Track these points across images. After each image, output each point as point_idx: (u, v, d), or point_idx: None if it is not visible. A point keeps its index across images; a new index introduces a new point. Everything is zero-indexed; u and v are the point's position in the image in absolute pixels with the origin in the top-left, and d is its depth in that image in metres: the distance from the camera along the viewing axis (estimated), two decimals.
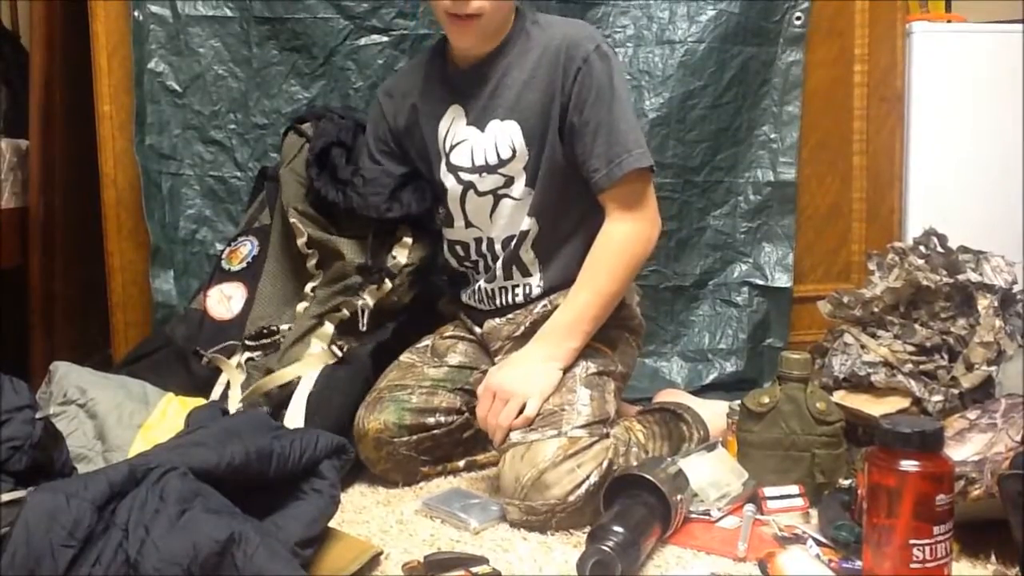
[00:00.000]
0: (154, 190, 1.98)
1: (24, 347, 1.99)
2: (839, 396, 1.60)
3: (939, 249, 1.70)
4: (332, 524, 1.24)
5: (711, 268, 2.14)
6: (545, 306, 1.63)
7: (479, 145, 1.60)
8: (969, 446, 1.34)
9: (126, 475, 1.04)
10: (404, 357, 1.67)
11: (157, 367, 1.70)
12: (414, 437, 1.56)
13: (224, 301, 1.80)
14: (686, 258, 2.12)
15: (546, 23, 1.60)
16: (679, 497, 1.30)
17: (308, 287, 1.74)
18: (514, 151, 1.58)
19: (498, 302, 1.66)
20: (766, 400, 1.46)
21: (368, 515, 1.43)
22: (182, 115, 1.99)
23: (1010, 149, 2.22)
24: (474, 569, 1.19)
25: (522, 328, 1.64)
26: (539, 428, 1.42)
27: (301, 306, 1.73)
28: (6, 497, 1.06)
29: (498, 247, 1.64)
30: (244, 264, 1.84)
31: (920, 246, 1.72)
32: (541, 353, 1.51)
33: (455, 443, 1.62)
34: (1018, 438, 1.29)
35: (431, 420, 1.58)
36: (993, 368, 1.57)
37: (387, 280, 1.68)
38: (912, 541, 1.07)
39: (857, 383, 1.62)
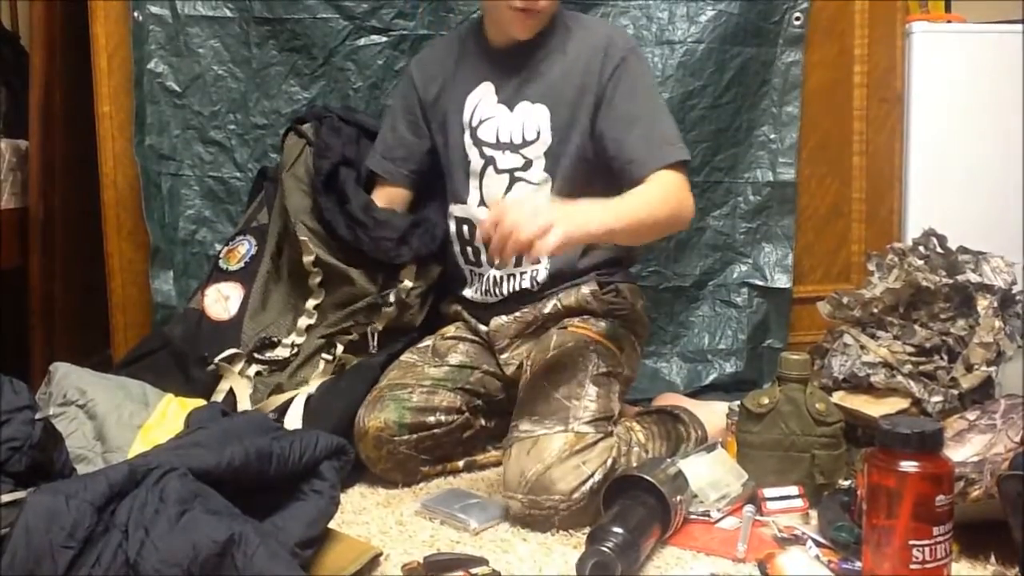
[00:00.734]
0: (154, 190, 1.98)
1: (24, 348, 1.99)
2: (839, 397, 1.60)
3: (938, 250, 1.70)
4: (332, 525, 1.24)
5: (711, 269, 2.14)
6: (555, 305, 1.63)
7: (506, 124, 1.64)
8: (969, 447, 1.34)
9: (126, 476, 1.04)
10: (405, 357, 1.67)
11: (156, 368, 1.70)
12: (414, 436, 1.56)
13: (221, 301, 1.80)
14: (685, 259, 2.12)
15: (587, 22, 1.70)
16: (679, 498, 1.30)
17: (310, 303, 1.74)
18: (538, 134, 1.62)
19: (505, 290, 1.66)
20: (765, 401, 1.46)
21: (368, 516, 1.43)
22: (182, 116, 1.99)
23: (1010, 150, 2.22)
24: (474, 570, 1.19)
25: (531, 327, 1.64)
26: (545, 422, 1.42)
27: (303, 321, 1.73)
28: (6, 498, 1.06)
29: None
30: (242, 264, 1.84)
31: (920, 247, 1.72)
32: (559, 208, 1.40)
33: (455, 443, 1.62)
34: (1017, 439, 1.29)
35: (431, 419, 1.58)
36: (993, 369, 1.57)
37: (395, 305, 1.69)
38: (912, 542, 1.07)
39: (857, 384, 1.62)
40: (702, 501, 1.38)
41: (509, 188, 1.65)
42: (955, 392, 1.56)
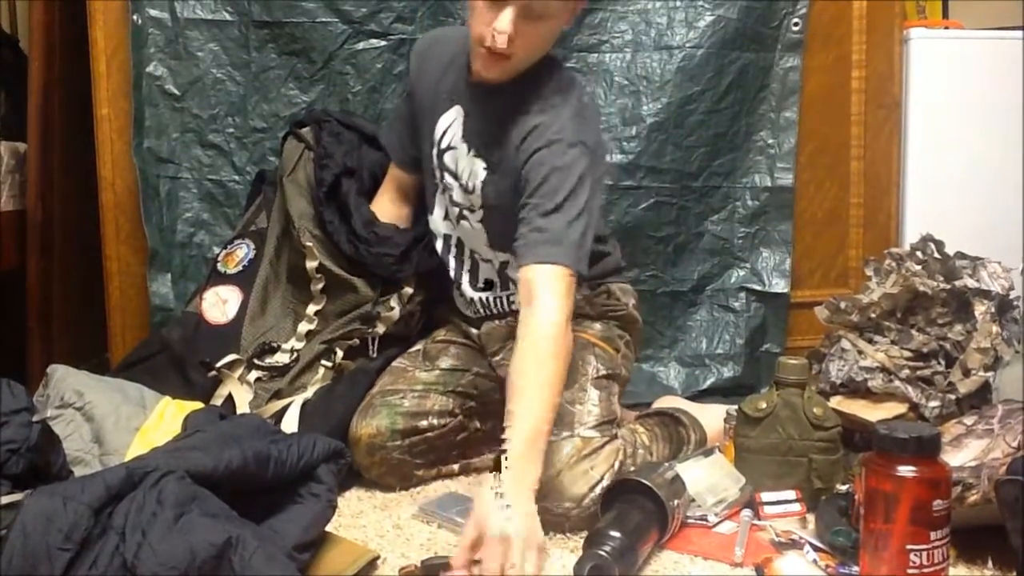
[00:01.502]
0: (152, 194, 1.98)
1: (21, 350, 1.99)
2: (836, 401, 1.60)
3: (936, 255, 1.70)
4: (329, 528, 1.24)
5: (709, 273, 2.14)
6: None
7: (462, 161, 1.58)
8: (966, 452, 1.34)
9: (123, 478, 1.04)
10: (396, 362, 1.67)
11: (154, 372, 1.69)
12: (407, 441, 1.56)
13: (219, 304, 1.80)
14: (684, 263, 2.12)
15: (554, 90, 1.48)
16: (676, 502, 1.30)
17: (311, 309, 1.74)
18: (475, 188, 1.56)
19: (494, 311, 1.67)
20: (763, 405, 1.46)
21: (365, 519, 1.43)
22: (180, 119, 1.99)
23: (1007, 155, 2.23)
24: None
25: None
26: (552, 429, 1.41)
27: (303, 327, 1.73)
28: (3, 500, 1.06)
29: (466, 252, 1.65)
30: (240, 267, 1.84)
31: (917, 252, 1.72)
32: (516, 502, 1.22)
33: (449, 446, 1.62)
34: (1015, 444, 1.29)
35: (424, 423, 1.58)
36: (990, 374, 1.57)
37: (396, 310, 1.69)
38: (909, 546, 1.07)
39: (854, 389, 1.62)
40: (700, 505, 1.38)
41: (459, 220, 1.61)
42: (952, 397, 1.56)
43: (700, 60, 2.06)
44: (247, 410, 1.62)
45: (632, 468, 1.43)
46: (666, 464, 1.40)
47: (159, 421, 1.51)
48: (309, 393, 1.63)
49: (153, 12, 1.95)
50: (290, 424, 1.56)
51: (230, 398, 1.64)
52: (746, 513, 1.38)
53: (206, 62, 1.98)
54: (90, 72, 1.99)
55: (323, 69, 1.99)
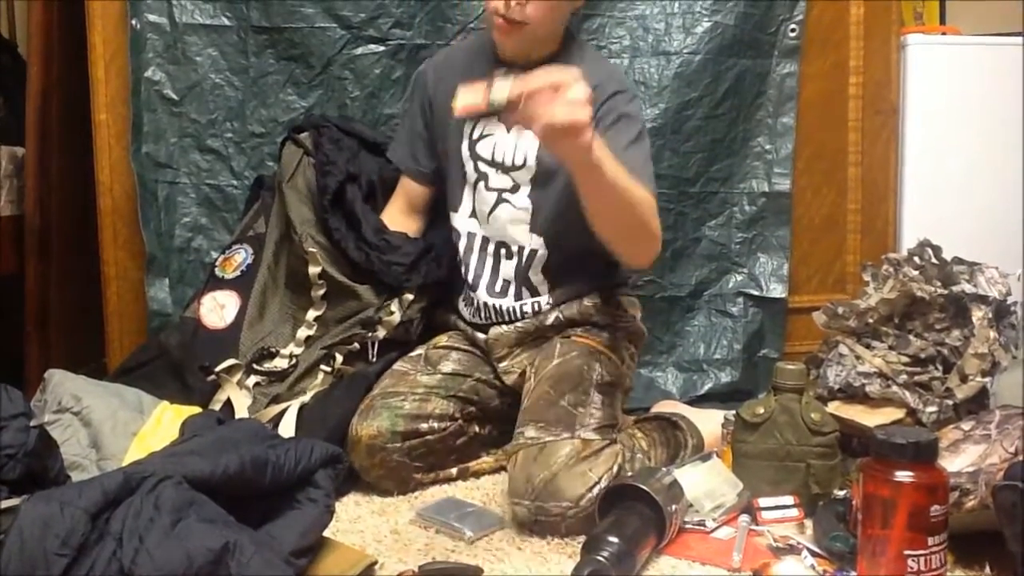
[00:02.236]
0: (150, 199, 1.98)
1: (19, 354, 1.98)
2: (834, 407, 1.60)
3: (933, 260, 1.70)
4: (326, 533, 1.23)
5: (706, 278, 2.15)
6: (557, 317, 1.65)
7: (502, 144, 1.64)
8: (964, 457, 1.34)
9: (120, 483, 1.03)
10: (397, 366, 1.68)
11: (152, 378, 1.69)
12: (407, 443, 1.56)
13: (217, 309, 1.80)
14: (681, 268, 2.12)
15: (591, 58, 1.65)
16: (674, 507, 1.30)
17: (310, 315, 1.75)
18: (525, 160, 1.62)
19: (505, 318, 1.68)
20: (761, 411, 1.46)
21: (362, 524, 1.43)
22: (179, 124, 1.99)
23: (1005, 160, 2.23)
24: None
25: (532, 337, 1.66)
26: (552, 429, 1.43)
27: (302, 332, 1.73)
28: (1, 505, 1.06)
29: (491, 247, 1.65)
30: (238, 272, 1.84)
31: (914, 257, 1.72)
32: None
33: (448, 450, 1.62)
34: (1012, 449, 1.29)
35: (424, 426, 1.58)
36: (987, 379, 1.57)
37: (397, 314, 1.70)
38: (907, 552, 1.07)
39: (852, 394, 1.62)
40: (697, 511, 1.38)
41: (494, 208, 1.66)
42: (950, 402, 1.56)
43: (698, 66, 2.07)
44: (246, 415, 1.61)
45: (630, 472, 1.43)
46: (664, 469, 1.40)
47: (157, 426, 1.50)
48: (307, 397, 1.63)
49: (152, 17, 1.95)
50: (287, 428, 1.56)
51: (229, 403, 1.64)
52: (744, 518, 1.38)
53: (204, 67, 1.98)
54: (88, 77, 1.99)
55: (321, 74, 1.99)
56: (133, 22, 1.95)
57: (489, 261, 1.69)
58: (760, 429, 1.46)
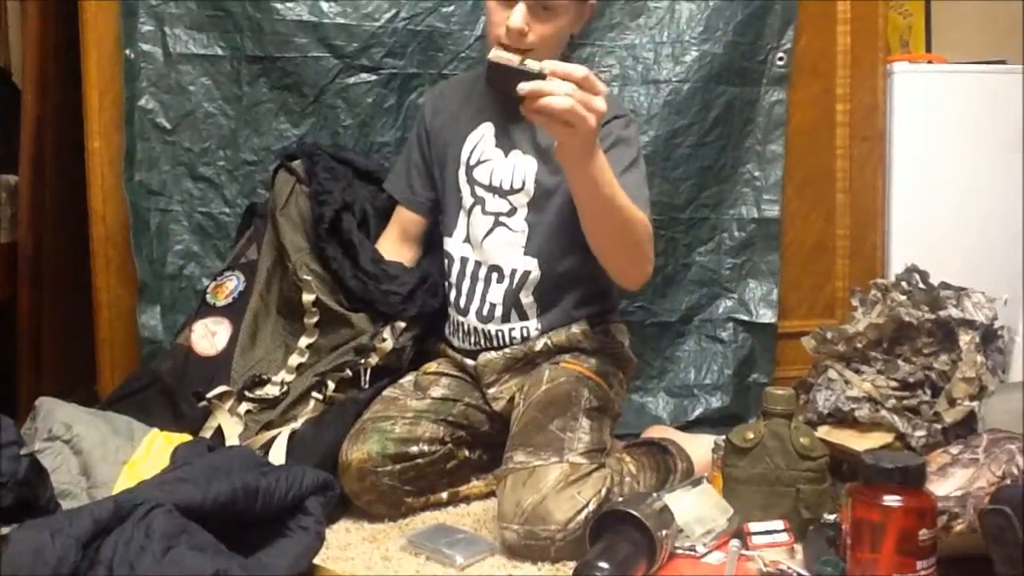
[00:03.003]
0: (142, 226, 1.98)
1: (11, 382, 1.98)
2: (824, 431, 1.61)
3: (921, 285, 1.72)
4: (317, 561, 1.23)
5: (697, 304, 2.16)
6: (545, 343, 1.66)
7: (499, 168, 1.67)
8: (952, 481, 1.35)
9: (111, 511, 1.04)
10: (387, 392, 1.68)
11: (144, 406, 1.69)
12: (397, 467, 1.56)
13: (208, 336, 1.80)
14: (672, 294, 2.14)
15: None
16: (664, 533, 1.30)
17: (303, 342, 1.75)
18: (523, 183, 1.65)
19: (494, 343, 1.69)
20: (751, 436, 1.47)
21: (353, 551, 1.43)
22: (172, 152, 2.00)
23: (990, 185, 2.26)
24: None
25: (520, 363, 1.67)
26: (540, 453, 1.43)
27: (294, 359, 1.74)
28: None
29: (483, 271, 1.67)
30: (230, 299, 1.84)
31: (902, 282, 1.73)
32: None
33: (439, 473, 1.63)
34: (1000, 473, 1.30)
35: (414, 449, 1.58)
36: (975, 403, 1.58)
37: (389, 340, 1.71)
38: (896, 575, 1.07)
39: (841, 418, 1.63)
40: (688, 536, 1.38)
41: (490, 231, 1.68)
42: (939, 427, 1.57)
43: (687, 94, 2.09)
44: (236, 442, 1.61)
45: (619, 496, 1.43)
46: (654, 494, 1.40)
47: (147, 454, 1.50)
48: (298, 424, 1.64)
49: (146, 47, 1.97)
50: (278, 455, 1.56)
51: (219, 430, 1.64)
52: (734, 543, 1.38)
53: (198, 96, 1.99)
54: (82, 105, 2.00)
55: (314, 103, 2.01)
56: (127, 52, 1.96)
57: (480, 286, 1.70)
58: (750, 454, 1.46)
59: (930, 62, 2.42)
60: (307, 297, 1.74)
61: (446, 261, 1.75)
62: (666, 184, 2.09)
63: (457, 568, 1.36)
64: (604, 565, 1.18)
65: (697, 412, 2.12)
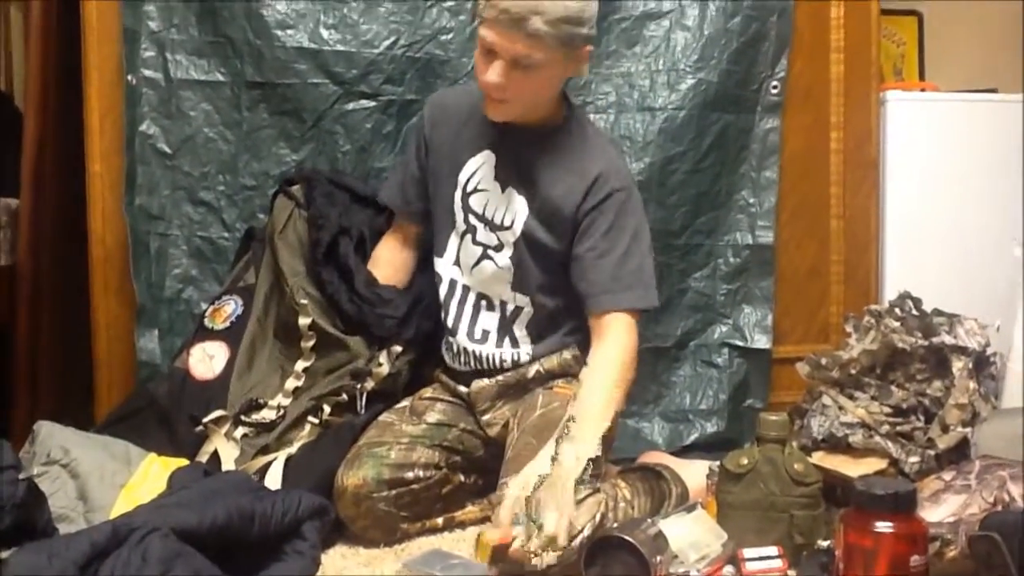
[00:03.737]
0: (142, 250, 1.99)
1: (7, 404, 1.98)
2: (818, 457, 1.61)
3: (914, 312, 1.73)
4: None
5: (692, 329, 2.17)
6: (537, 370, 1.67)
7: (493, 200, 1.66)
8: (945, 507, 1.36)
9: (108, 535, 1.04)
10: (383, 417, 1.69)
11: (141, 428, 1.69)
12: (393, 492, 1.56)
13: (206, 360, 1.80)
14: (667, 319, 2.14)
15: (593, 140, 1.68)
16: (659, 559, 1.30)
17: (299, 365, 1.76)
18: (512, 222, 1.64)
19: (486, 366, 1.70)
20: (745, 461, 1.47)
21: None
22: (172, 176, 2.01)
23: (982, 212, 2.27)
24: None
25: (513, 389, 1.67)
26: None
27: (291, 383, 1.74)
28: None
29: (472, 297, 1.67)
30: (228, 323, 1.85)
31: (896, 309, 1.75)
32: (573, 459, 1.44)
33: (434, 499, 1.63)
34: (991, 499, 1.31)
35: (410, 475, 1.59)
36: (968, 429, 1.59)
37: (385, 365, 1.72)
38: None
39: (835, 444, 1.64)
40: (682, 562, 1.38)
41: (478, 262, 1.68)
42: (932, 453, 1.58)
43: (682, 121, 2.11)
44: (233, 466, 1.62)
45: (614, 522, 1.44)
46: (649, 520, 1.41)
47: (144, 478, 1.51)
48: (294, 449, 1.64)
49: (147, 73, 1.99)
50: (274, 479, 1.56)
51: (216, 455, 1.64)
52: (728, 569, 1.39)
53: (198, 121, 2.01)
54: (83, 129, 2.01)
55: (313, 129, 2.02)
56: (129, 77, 1.98)
57: (469, 310, 1.71)
58: (744, 480, 1.47)
59: (923, 90, 2.44)
60: (303, 321, 1.75)
61: (436, 279, 1.75)
62: (662, 210, 2.11)
63: None
64: None
65: (692, 437, 2.12)
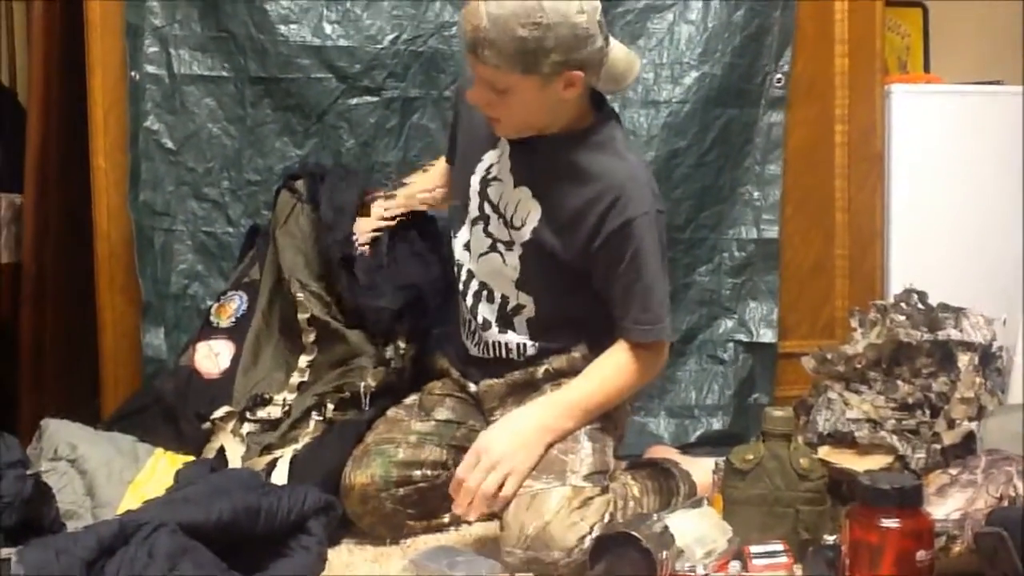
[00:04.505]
0: (147, 246, 2.00)
1: (13, 401, 1.99)
2: (823, 452, 1.61)
3: (920, 306, 1.73)
4: None
5: (697, 324, 2.17)
6: (546, 369, 1.65)
7: (507, 195, 1.62)
8: (951, 502, 1.35)
9: (116, 531, 1.05)
10: (391, 412, 1.68)
11: (147, 425, 1.70)
12: (400, 490, 1.56)
13: (212, 357, 1.81)
14: (672, 315, 2.13)
15: (616, 157, 1.56)
16: (665, 554, 1.30)
17: (302, 361, 1.76)
18: (523, 224, 1.60)
19: (491, 353, 1.68)
20: (750, 456, 1.47)
21: (355, 572, 1.43)
22: (176, 172, 2.01)
23: (988, 205, 2.27)
24: None
25: (521, 388, 1.66)
26: (543, 476, 1.44)
27: (295, 378, 1.75)
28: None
29: (475, 284, 1.66)
30: (233, 320, 1.85)
31: (901, 303, 1.74)
32: (538, 422, 1.49)
33: (441, 497, 1.62)
34: (997, 494, 1.31)
35: (417, 473, 1.59)
36: (974, 424, 1.59)
37: (391, 361, 1.72)
38: None
39: (841, 439, 1.63)
40: (688, 557, 1.38)
41: (485, 252, 1.64)
42: (937, 447, 1.58)
43: (686, 115, 2.11)
44: (239, 463, 1.62)
45: (622, 520, 1.43)
46: (655, 516, 1.41)
47: (151, 474, 1.51)
48: (299, 445, 1.64)
49: (151, 69, 1.99)
50: (280, 476, 1.57)
51: (222, 451, 1.65)
52: (734, 565, 1.39)
53: (202, 117, 2.01)
54: (88, 125, 2.01)
55: (317, 124, 2.03)
56: (133, 73, 1.98)
57: (471, 296, 1.68)
58: (749, 475, 1.47)
59: (928, 83, 2.43)
60: (302, 315, 1.75)
61: (451, 256, 1.73)
62: (665, 204, 2.09)
63: None
64: None
65: (698, 433, 2.12)
